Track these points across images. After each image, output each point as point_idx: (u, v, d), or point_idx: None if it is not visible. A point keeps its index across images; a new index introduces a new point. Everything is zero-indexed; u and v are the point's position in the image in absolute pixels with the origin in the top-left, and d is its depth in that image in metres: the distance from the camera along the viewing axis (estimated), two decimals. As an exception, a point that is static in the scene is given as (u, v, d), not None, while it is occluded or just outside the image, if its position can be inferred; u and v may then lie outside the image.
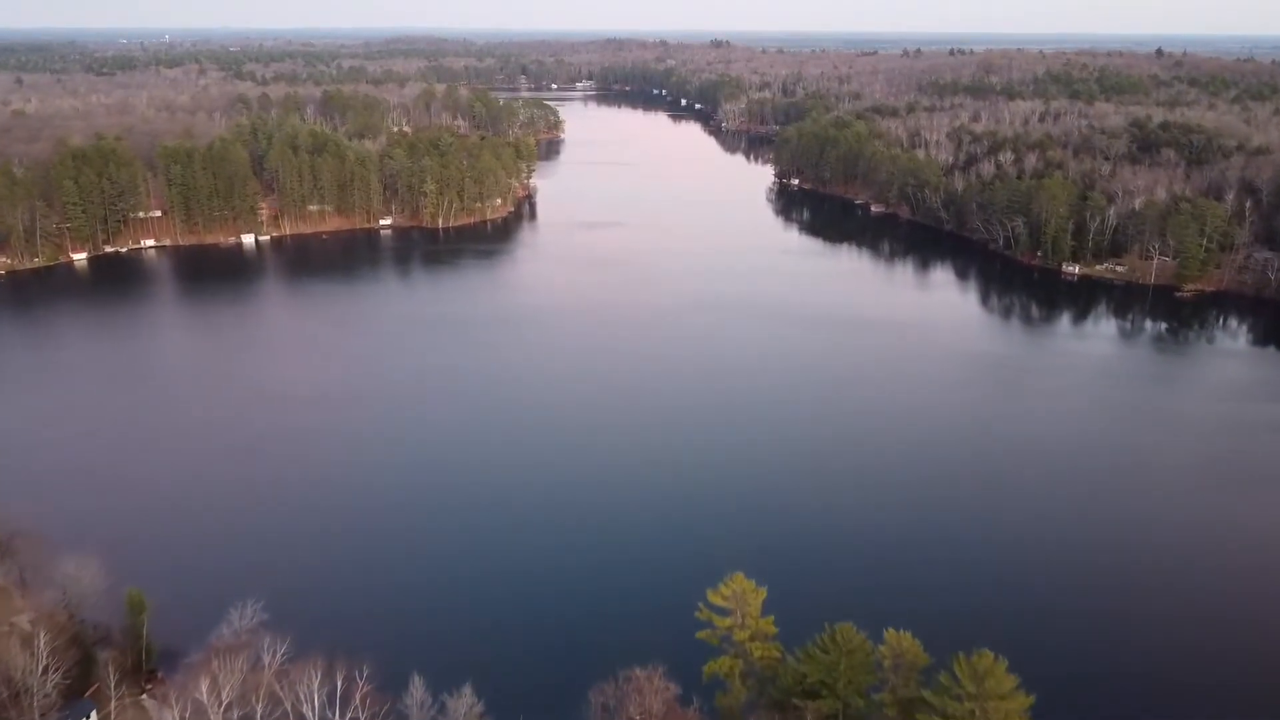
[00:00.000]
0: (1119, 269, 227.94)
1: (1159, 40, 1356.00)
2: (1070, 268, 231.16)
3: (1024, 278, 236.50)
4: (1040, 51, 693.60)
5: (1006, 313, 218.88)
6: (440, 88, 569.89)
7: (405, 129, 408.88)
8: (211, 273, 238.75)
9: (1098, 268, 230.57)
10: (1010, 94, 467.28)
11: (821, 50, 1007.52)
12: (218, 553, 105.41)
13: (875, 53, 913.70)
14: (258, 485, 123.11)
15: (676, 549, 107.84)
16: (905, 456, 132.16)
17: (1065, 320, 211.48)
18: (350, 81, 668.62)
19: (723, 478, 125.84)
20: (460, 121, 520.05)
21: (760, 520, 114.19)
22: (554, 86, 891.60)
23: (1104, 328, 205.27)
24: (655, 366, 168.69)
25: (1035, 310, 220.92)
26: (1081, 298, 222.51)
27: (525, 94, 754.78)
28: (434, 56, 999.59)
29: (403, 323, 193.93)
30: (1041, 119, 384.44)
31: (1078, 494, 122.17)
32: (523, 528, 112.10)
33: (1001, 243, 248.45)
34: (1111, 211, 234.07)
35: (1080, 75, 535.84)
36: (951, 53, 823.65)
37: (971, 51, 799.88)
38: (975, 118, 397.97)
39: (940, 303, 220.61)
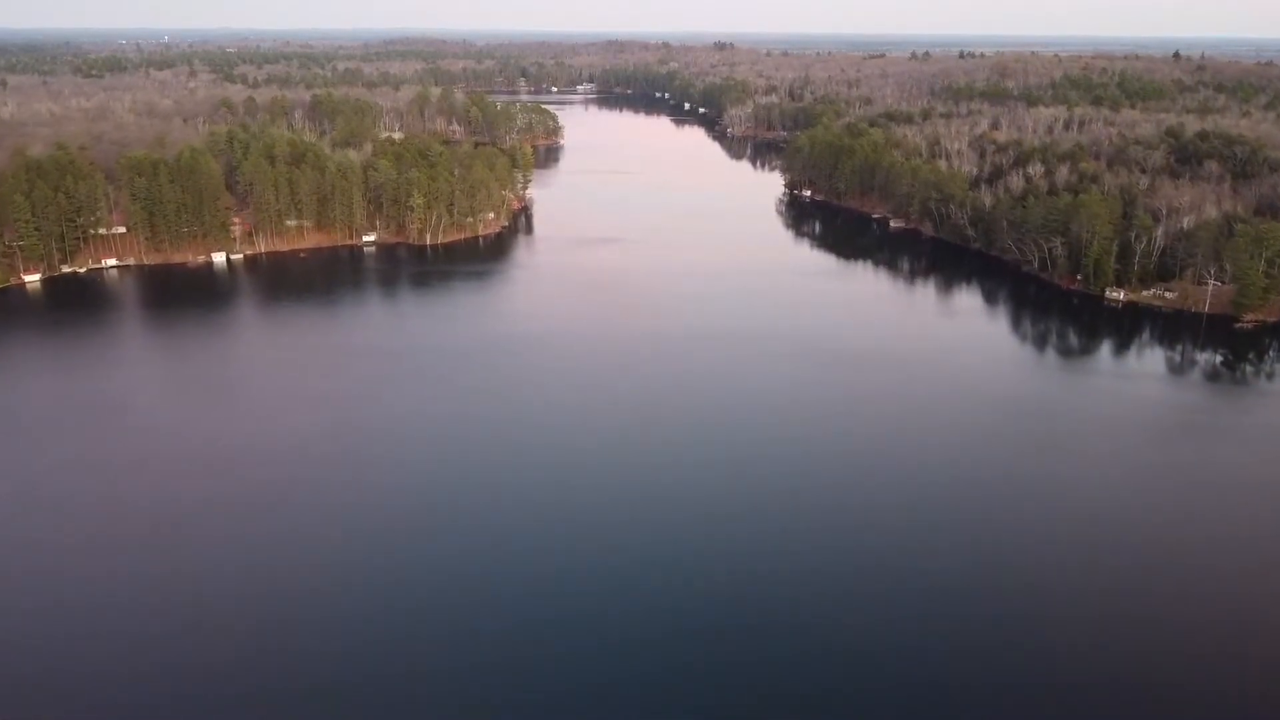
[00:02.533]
0: (1168, 295, 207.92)
1: (1163, 43, 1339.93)
2: (1114, 293, 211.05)
3: (1062, 304, 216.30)
4: (1056, 54, 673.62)
5: (1043, 344, 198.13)
6: (436, 91, 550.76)
7: (395, 135, 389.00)
8: (175, 295, 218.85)
9: (1144, 294, 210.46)
10: (1030, 99, 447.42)
11: (827, 53, 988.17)
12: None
13: (883, 55, 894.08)
14: (172, 585, 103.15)
15: (670, 624, 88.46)
16: (916, 540, 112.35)
17: (1110, 354, 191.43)
18: (345, 84, 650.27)
19: (718, 549, 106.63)
20: (456, 126, 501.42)
21: (758, 606, 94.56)
22: (554, 89, 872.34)
23: (1154, 363, 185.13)
24: (655, 411, 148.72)
25: (1076, 341, 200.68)
26: (1128, 327, 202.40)
27: (525, 97, 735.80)
28: (432, 58, 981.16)
29: (378, 357, 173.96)
30: (1066, 126, 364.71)
31: (1118, 589, 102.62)
32: (515, 612, 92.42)
33: (1036, 264, 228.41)
34: (1159, 232, 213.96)
35: (1100, 79, 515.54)
36: (961, 55, 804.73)
37: (982, 54, 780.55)
38: (995, 125, 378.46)
39: (969, 333, 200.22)
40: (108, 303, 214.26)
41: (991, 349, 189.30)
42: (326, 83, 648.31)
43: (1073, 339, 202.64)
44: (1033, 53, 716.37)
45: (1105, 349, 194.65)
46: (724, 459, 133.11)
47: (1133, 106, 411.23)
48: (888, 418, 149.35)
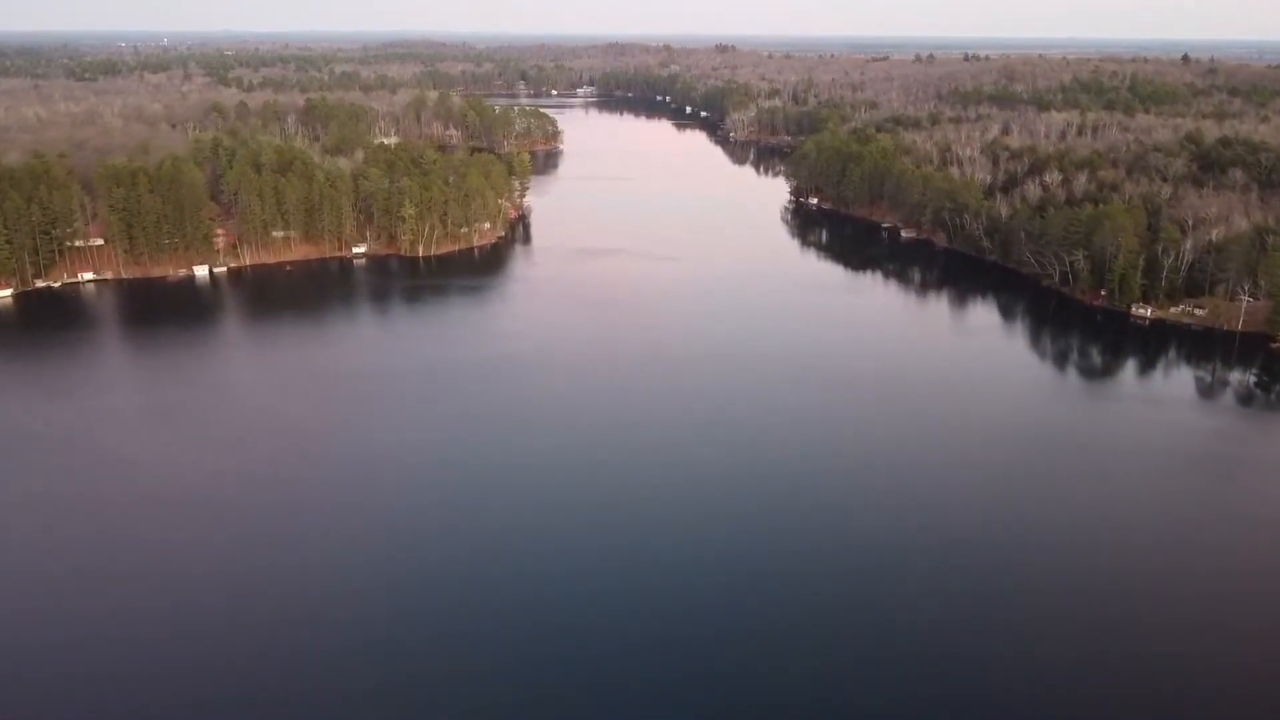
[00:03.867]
0: (1198, 312, 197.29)
1: (1164, 45, 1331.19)
2: (1141, 310, 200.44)
3: (1085, 320, 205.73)
4: (1064, 57, 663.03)
5: (1066, 364, 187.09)
6: (433, 95, 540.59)
7: (387, 140, 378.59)
8: (153, 311, 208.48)
9: (1173, 310, 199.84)
10: (1040, 104, 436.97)
11: (830, 55, 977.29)
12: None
13: (887, 58, 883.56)
14: (132, 631, 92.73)
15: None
16: (926, 575, 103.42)
17: (1137, 375, 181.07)
18: (342, 88, 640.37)
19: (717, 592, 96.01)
20: (453, 131, 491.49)
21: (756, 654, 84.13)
22: (554, 92, 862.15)
23: (1183, 384, 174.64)
24: (655, 442, 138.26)
25: (1100, 360, 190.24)
26: (1155, 345, 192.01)
27: (524, 100, 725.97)
28: (431, 61, 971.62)
29: (363, 380, 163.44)
30: (1080, 132, 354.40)
31: (1141, 628, 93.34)
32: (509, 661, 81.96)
33: (1058, 278, 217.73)
34: (1188, 245, 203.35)
35: (1111, 83, 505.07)
36: (966, 58, 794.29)
37: (988, 57, 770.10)
38: (1006, 130, 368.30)
39: (988, 353, 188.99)
40: (82, 319, 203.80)
41: (1011, 370, 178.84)
42: (322, 86, 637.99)
43: (1097, 358, 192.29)
44: (1040, 55, 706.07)
45: (1131, 369, 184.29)
46: (727, 489, 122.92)
47: (1146, 111, 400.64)
48: (903, 446, 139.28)
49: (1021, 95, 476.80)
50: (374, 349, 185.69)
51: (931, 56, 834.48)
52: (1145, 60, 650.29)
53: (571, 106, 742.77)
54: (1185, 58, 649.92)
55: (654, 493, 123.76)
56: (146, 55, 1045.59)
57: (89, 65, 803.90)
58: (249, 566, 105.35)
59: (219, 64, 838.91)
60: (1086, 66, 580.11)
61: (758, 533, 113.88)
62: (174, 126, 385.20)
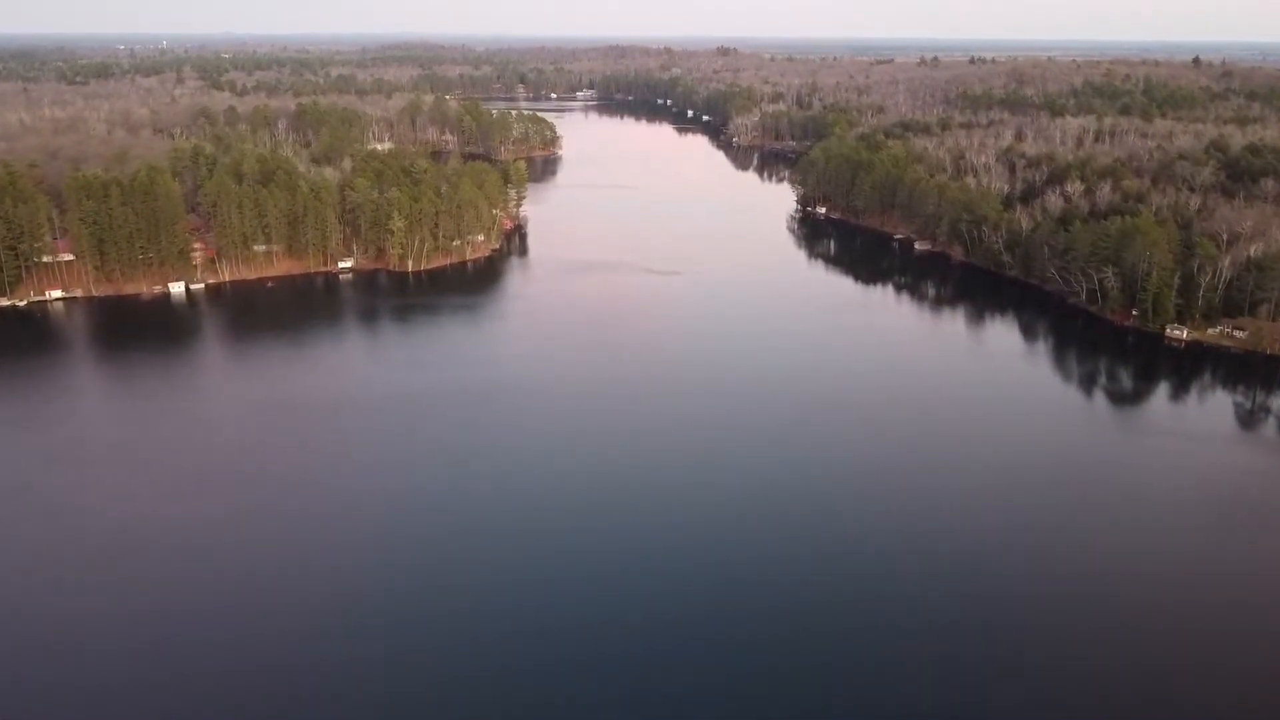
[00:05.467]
0: (1238, 334, 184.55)
1: (1167, 47, 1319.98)
2: (1176, 331, 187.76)
3: (1116, 342, 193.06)
4: (1073, 60, 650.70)
5: (1093, 390, 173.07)
6: (428, 99, 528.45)
7: (380, 146, 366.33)
8: (124, 331, 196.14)
9: (1210, 332, 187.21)
10: (1053, 108, 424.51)
11: (834, 58, 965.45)
12: None
13: (891, 60, 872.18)
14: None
15: None
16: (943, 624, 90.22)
17: (1172, 403, 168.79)
18: (337, 91, 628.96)
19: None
20: (449, 136, 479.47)
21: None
22: (553, 96, 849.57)
23: (1222, 414, 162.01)
24: (654, 484, 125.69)
25: (1131, 386, 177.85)
26: (1191, 370, 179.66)
27: (523, 103, 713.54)
28: (429, 64, 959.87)
29: (343, 412, 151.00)
30: (1097, 138, 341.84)
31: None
32: None
33: (1084, 296, 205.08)
34: (1226, 262, 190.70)
35: (1124, 86, 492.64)
36: (972, 61, 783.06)
37: (994, 60, 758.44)
38: (1019, 136, 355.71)
39: (1010, 377, 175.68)
40: (48, 340, 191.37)
41: (1037, 397, 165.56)
42: (317, 89, 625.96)
43: (1129, 383, 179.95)
44: (1049, 58, 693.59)
45: (1165, 396, 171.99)
46: (737, 531, 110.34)
47: (1164, 116, 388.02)
48: (917, 481, 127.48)
49: (1033, 99, 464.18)
50: (356, 375, 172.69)
51: (936, 59, 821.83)
52: (1156, 63, 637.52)
53: (571, 110, 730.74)
54: (1196, 60, 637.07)
55: (654, 543, 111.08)
56: (142, 58, 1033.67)
57: (81, 68, 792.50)
58: (202, 634, 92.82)
59: (214, 67, 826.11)
60: (1097, 69, 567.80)
61: (773, 574, 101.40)
62: (160, 132, 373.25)
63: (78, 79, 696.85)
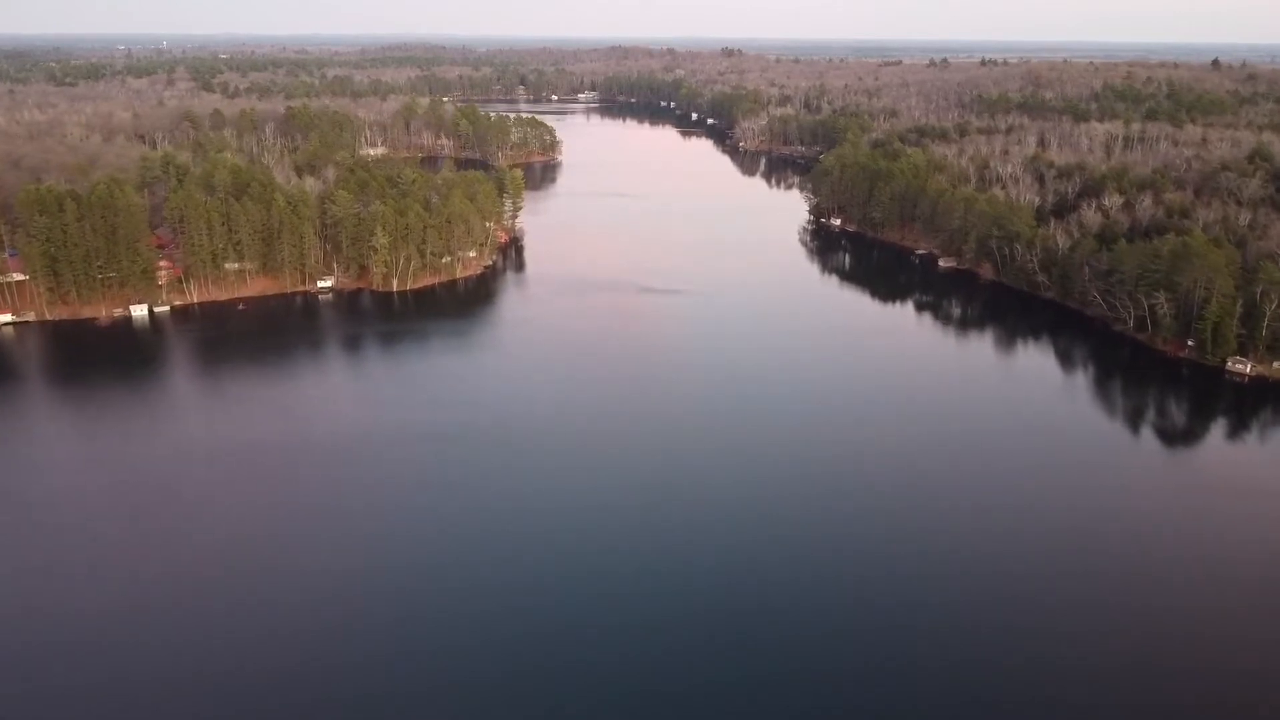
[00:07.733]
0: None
1: (1170, 48, 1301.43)
2: (1238, 364, 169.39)
3: (1168, 376, 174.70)
4: (1090, 61, 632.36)
5: (1140, 430, 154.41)
6: (423, 102, 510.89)
7: (373, 152, 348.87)
8: (78, 360, 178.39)
9: (1277, 365, 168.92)
10: (1075, 113, 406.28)
11: (840, 59, 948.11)
12: None
13: (899, 62, 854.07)
14: None
15: None
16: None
17: (1232, 447, 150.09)
18: (332, 93, 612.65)
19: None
20: (444, 141, 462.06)
21: None
22: (554, 98, 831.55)
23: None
24: (659, 546, 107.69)
25: (1187, 425, 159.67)
26: (1254, 408, 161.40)
27: (523, 106, 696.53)
28: (428, 65, 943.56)
29: (310, 457, 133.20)
30: (1127, 145, 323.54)
31: None
32: None
33: (1132, 323, 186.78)
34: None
35: (1147, 90, 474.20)
36: (983, 62, 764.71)
37: (1005, 61, 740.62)
38: (1043, 143, 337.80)
39: (1049, 412, 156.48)
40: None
41: (1079, 439, 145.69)
42: (312, 91, 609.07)
43: (1181, 421, 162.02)
44: (1065, 60, 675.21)
45: (1225, 442, 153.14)
46: (750, 595, 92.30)
47: (1193, 122, 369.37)
48: (947, 527, 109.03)
49: (1053, 103, 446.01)
50: (328, 412, 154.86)
51: (946, 61, 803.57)
52: (1175, 65, 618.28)
53: (572, 113, 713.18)
54: (1216, 63, 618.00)
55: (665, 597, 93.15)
56: (138, 59, 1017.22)
57: (72, 69, 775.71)
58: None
59: (208, 68, 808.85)
60: (1117, 72, 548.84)
61: (795, 622, 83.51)
62: (140, 138, 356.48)
63: (67, 80, 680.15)
